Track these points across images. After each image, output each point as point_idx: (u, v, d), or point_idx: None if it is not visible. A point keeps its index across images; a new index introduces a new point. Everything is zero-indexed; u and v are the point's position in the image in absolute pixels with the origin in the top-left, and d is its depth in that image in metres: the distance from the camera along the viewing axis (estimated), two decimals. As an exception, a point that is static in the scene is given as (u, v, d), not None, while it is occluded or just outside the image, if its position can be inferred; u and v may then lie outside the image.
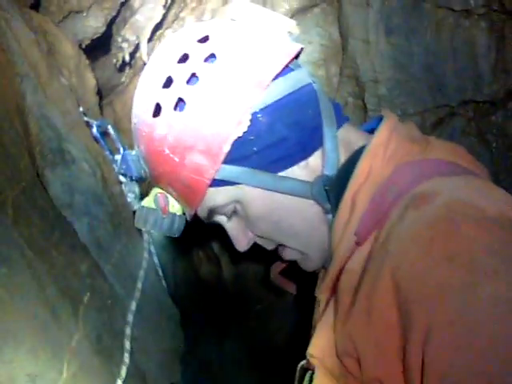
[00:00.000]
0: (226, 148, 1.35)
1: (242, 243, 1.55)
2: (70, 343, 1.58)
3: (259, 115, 1.37)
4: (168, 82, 1.38)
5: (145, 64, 2.80)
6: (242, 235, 1.54)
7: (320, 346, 1.45)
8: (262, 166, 1.40)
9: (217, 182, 1.39)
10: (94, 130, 2.18)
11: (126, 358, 1.81)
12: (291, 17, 2.99)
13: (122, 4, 2.75)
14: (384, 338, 1.20)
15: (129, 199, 2.22)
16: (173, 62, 1.39)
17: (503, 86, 2.70)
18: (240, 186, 1.41)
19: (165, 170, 1.41)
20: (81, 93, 2.33)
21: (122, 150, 2.23)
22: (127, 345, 1.84)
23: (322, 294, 1.50)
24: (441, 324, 1.06)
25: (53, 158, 1.88)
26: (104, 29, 2.69)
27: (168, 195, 1.51)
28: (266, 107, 1.37)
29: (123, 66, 3.04)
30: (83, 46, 2.62)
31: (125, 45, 2.82)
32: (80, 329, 1.64)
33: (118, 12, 2.74)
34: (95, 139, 2.17)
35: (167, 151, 1.37)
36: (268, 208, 1.44)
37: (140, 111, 1.42)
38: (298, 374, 1.62)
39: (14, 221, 1.52)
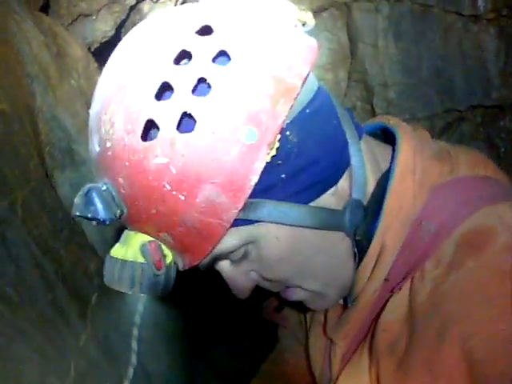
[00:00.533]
0: (255, 179, 1.01)
1: (244, 291, 1.26)
2: (78, 343, 1.58)
3: (287, 133, 1.07)
4: (165, 91, 1.02)
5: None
6: (244, 281, 1.24)
7: None
8: (289, 197, 1.11)
9: (234, 223, 1.06)
10: (103, 131, 2.18)
11: (134, 358, 1.80)
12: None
13: (132, 8, 2.76)
14: None
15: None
16: (168, 62, 1.02)
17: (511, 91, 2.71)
18: (260, 223, 1.11)
19: (161, 211, 1.04)
20: (90, 95, 2.33)
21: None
22: (134, 345, 1.84)
23: (341, 340, 1.36)
24: None
25: (62, 159, 1.88)
26: (113, 32, 2.70)
27: (160, 244, 1.11)
28: (291, 122, 1.07)
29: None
30: (92, 50, 2.64)
31: (134, 49, 2.82)
32: (88, 329, 1.64)
33: (128, 16, 2.75)
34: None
35: (168, 187, 1.01)
36: (293, 247, 1.16)
37: (117, 132, 1.02)
38: None
39: (23, 220, 1.52)
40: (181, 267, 1.14)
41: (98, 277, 1.79)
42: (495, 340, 1.03)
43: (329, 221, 1.16)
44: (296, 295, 1.30)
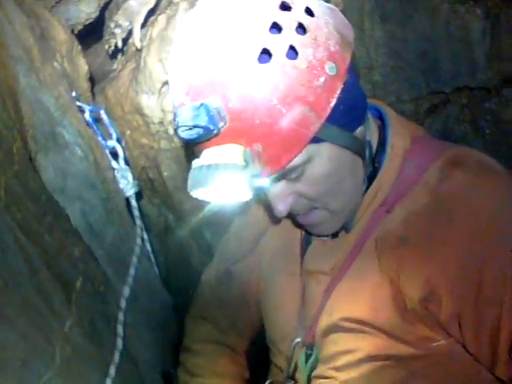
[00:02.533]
0: (333, 102, 1.32)
1: (284, 209, 1.49)
2: (63, 329, 1.57)
3: (347, 75, 1.35)
4: (274, 28, 1.30)
5: (138, 50, 2.79)
6: (285, 200, 1.48)
7: (368, 307, 1.53)
8: (344, 125, 1.40)
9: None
10: (87, 115, 2.16)
11: (119, 343, 1.80)
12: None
13: (116, -11, 2.74)
14: (466, 273, 1.40)
15: (121, 185, 2.21)
16: (274, 8, 1.31)
17: (498, 73, 2.69)
18: (323, 143, 1.38)
19: (264, 121, 1.29)
20: (73, 78, 2.31)
21: (114, 135, 2.22)
22: (120, 330, 1.84)
23: (329, 269, 1.61)
24: None
25: (45, 142, 1.86)
26: (97, 14, 2.68)
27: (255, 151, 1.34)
28: (347, 68, 1.35)
29: (115, 52, 3.02)
30: (76, 32, 2.61)
31: (117, 30, 2.79)
32: (73, 314, 1.63)
33: (112, -3, 2.73)
34: (88, 124, 2.16)
35: (275, 101, 1.27)
36: (337, 166, 1.44)
37: (232, 56, 1.28)
38: (293, 351, 1.70)
39: (7, 204, 1.50)
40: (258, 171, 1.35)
41: (82, 262, 1.78)
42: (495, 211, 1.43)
43: (360, 148, 1.48)
44: (317, 218, 1.55)
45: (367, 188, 1.57)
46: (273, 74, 1.27)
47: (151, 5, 2.74)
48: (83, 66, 2.45)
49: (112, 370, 1.70)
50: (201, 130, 1.28)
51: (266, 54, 1.28)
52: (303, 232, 1.75)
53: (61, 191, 1.86)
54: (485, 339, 1.41)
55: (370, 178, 1.57)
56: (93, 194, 1.98)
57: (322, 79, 1.29)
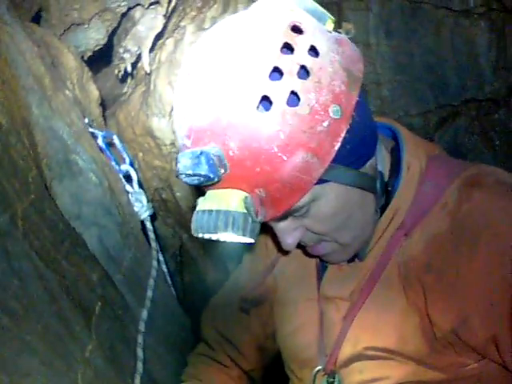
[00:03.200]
0: (338, 146, 1.28)
1: (292, 243, 1.48)
2: (84, 353, 1.59)
3: (354, 113, 1.32)
4: (275, 74, 1.25)
5: (148, 74, 2.82)
6: (293, 234, 1.47)
7: (395, 336, 1.50)
8: (350, 163, 1.38)
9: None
10: (100, 140, 2.18)
11: (140, 366, 1.81)
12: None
13: (123, 15, 2.76)
14: (498, 295, 1.35)
15: (136, 208, 2.23)
16: (275, 51, 1.26)
17: (504, 84, 2.71)
18: (328, 183, 1.36)
19: (265, 169, 1.27)
20: (85, 104, 2.34)
21: (127, 159, 2.24)
22: (140, 353, 1.85)
23: (348, 295, 1.58)
24: None
25: (60, 170, 1.88)
26: (105, 40, 2.71)
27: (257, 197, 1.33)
28: (355, 105, 1.32)
29: (125, 76, 3.05)
30: (85, 58, 2.64)
31: (126, 55, 2.83)
32: (93, 339, 1.65)
33: (119, 23, 2.76)
34: (101, 150, 2.18)
35: (276, 149, 1.24)
36: (343, 203, 1.43)
37: (232, 104, 1.26)
38: (314, 379, 1.66)
39: (24, 233, 1.52)
40: (262, 219, 1.33)
41: (100, 287, 1.79)
42: None
43: (369, 184, 1.45)
44: (325, 249, 1.55)
45: (382, 212, 1.54)
46: (273, 123, 1.24)
47: (158, 29, 2.76)
48: (94, 92, 2.47)
49: (133, 394, 1.72)
50: (201, 178, 1.28)
51: (266, 101, 1.25)
52: (318, 259, 1.73)
53: (77, 218, 1.88)
54: None
55: (385, 201, 1.55)
56: (108, 219, 2.00)
57: (325, 124, 1.26)
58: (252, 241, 1.36)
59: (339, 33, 1.41)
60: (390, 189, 1.55)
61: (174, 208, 3.20)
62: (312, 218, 1.43)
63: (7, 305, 1.36)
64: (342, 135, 1.29)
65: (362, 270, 1.57)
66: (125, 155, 2.29)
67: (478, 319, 1.38)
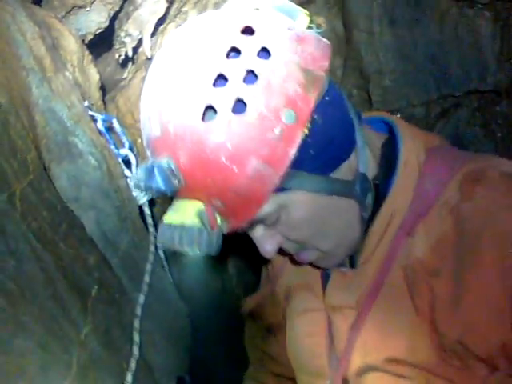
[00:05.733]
0: (293, 153, 1.24)
1: (271, 250, 1.47)
2: (80, 336, 1.58)
3: (315, 116, 1.28)
4: (220, 81, 1.23)
5: (148, 59, 2.80)
6: (270, 241, 1.45)
7: (404, 346, 1.44)
8: (315, 169, 1.34)
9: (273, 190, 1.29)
10: (100, 124, 2.17)
11: (136, 350, 1.80)
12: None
13: (125, -1, 2.75)
14: (506, 301, 1.30)
15: (134, 193, 2.22)
16: (220, 57, 1.24)
17: (508, 76, 2.70)
18: (292, 191, 1.32)
19: (216, 180, 1.24)
20: (85, 87, 2.32)
21: (127, 144, 2.23)
22: (136, 338, 1.84)
23: (354, 303, 1.54)
24: None
25: (59, 152, 1.87)
26: (107, 24, 2.68)
27: (213, 209, 1.30)
28: (317, 107, 1.28)
29: (126, 61, 3.03)
30: (86, 42, 2.62)
31: (128, 40, 2.80)
32: (89, 322, 1.64)
33: (121, 7, 2.74)
34: (100, 133, 2.17)
35: (224, 160, 1.22)
36: (315, 211, 1.38)
37: (177, 114, 1.24)
38: None
39: (22, 214, 1.51)
40: (225, 230, 1.33)
41: (97, 270, 1.79)
42: None
43: (342, 189, 1.40)
44: (309, 257, 1.53)
45: (375, 213, 1.50)
46: (218, 133, 1.21)
47: (161, 14, 2.74)
48: (94, 76, 2.46)
49: (129, 378, 1.71)
50: (156, 192, 1.27)
51: (211, 110, 1.23)
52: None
53: (75, 200, 1.87)
54: None
55: (376, 201, 1.51)
56: (107, 203, 1.99)
57: (276, 130, 1.22)
58: (218, 251, 1.31)
59: (310, 28, 1.38)
60: (380, 188, 1.51)
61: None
62: (285, 226, 1.41)
63: (3, 285, 1.35)
64: (298, 141, 1.25)
65: (366, 275, 1.52)
66: (124, 139, 2.28)
67: (486, 327, 1.33)
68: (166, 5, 2.73)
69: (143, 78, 2.90)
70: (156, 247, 2.22)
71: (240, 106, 1.22)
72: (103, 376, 1.64)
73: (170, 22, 2.81)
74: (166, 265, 2.44)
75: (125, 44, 2.85)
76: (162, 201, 3.27)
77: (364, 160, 1.47)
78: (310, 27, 1.38)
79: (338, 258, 1.54)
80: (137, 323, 1.87)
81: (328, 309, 1.63)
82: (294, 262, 1.69)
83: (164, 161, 1.26)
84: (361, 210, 1.47)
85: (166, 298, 2.24)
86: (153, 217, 2.29)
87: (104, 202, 1.98)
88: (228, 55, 1.24)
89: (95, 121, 2.17)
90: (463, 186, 1.43)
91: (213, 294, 3.12)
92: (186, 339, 2.27)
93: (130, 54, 2.87)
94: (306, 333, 1.72)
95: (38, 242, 1.53)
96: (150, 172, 1.25)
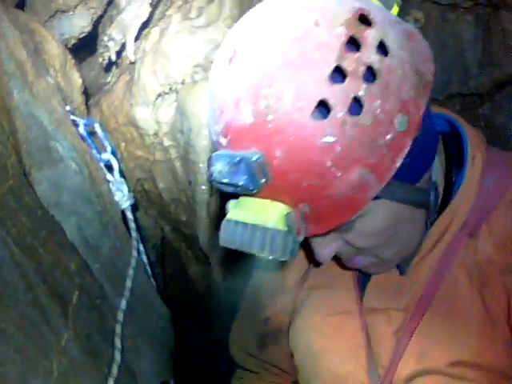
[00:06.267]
0: (399, 162, 1.12)
1: (328, 256, 1.34)
2: (60, 342, 1.57)
3: (421, 124, 1.16)
4: (337, 74, 1.07)
5: (132, 63, 2.80)
6: (330, 247, 1.32)
7: (474, 348, 1.34)
8: (406, 178, 1.22)
9: None
10: (81, 128, 2.16)
11: (118, 356, 1.80)
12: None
13: (109, 3, 2.75)
14: None
15: (116, 198, 2.21)
16: (340, 48, 1.06)
17: (490, 79, 2.71)
18: (379, 200, 1.19)
19: (313, 184, 1.10)
20: (67, 92, 2.32)
21: (109, 148, 2.23)
22: (118, 343, 1.83)
23: (408, 299, 1.42)
24: None
25: (40, 157, 1.86)
26: (90, 28, 2.69)
27: (301, 214, 1.16)
28: (421, 117, 1.15)
29: (110, 65, 3.03)
30: (69, 46, 2.62)
31: (111, 44, 2.80)
32: (69, 328, 1.63)
33: (105, 11, 2.75)
34: (82, 138, 2.16)
35: (329, 163, 1.08)
36: (393, 221, 1.27)
37: (285, 107, 1.07)
38: None
39: (1, 219, 1.51)
40: (302, 237, 1.18)
41: (78, 276, 1.78)
42: None
43: (422, 199, 1.29)
44: (361, 263, 1.40)
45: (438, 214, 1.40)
46: (329, 133, 1.06)
47: (144, 18, 2.74)
48: (77, 80, 2.45)
49: (110, 383, 1.70)
50: (238, 188, 1.12)
51: (323, 106, 1.07)
52: None
53: (56, 205, 1.86)
54: None
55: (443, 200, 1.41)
56: (88, 208, 1.98)
57: (388, 137, 1.09)
58: (292, 257, 1.17)
59: (406, 22, 1.20)
60: (442, 190, 1.42)
61: (157, 199, 3.18)
62: (355, 234, 1.28)
63: (-18, 292, 1.35)
64: (406, 150, 1.12)
65: (417, 277, 1.41)
66: (106, 144, 2.27)
67: None
68: (149, 9, 2.73)
69: (127, 82, 2.90)
70: (139, 252, 2.22)
71: (356, 106, 1.07)
72: (84, 382, 1.63)
73: (153, 26, 2.81)
74: (149, 269, 2.44)
75: (108, 48, 2.84)
76: (146, 206, 3.28)
77: (436, 167, 1.37)
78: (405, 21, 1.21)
79: (391, 265, 1.43)
80: (118, 329, 1.87)
81: (367, 311, 1.51)
82: (319, 264, 1.57)
83: (254, 155, 1.10)
84: (427, 217, 1.36)
85: (148, 302, 2.23)
86: (136, 222, 2.29)
87: (85, 207, 1.98)
88: (346, 46, 1.07)
89: (77, 125, 2.16)
90: None
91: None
92: (169, 344, 2.26)
93: (114, 58, 2.86)
94: (333, 338, 1.57)
95: (17, 247, 1.52)
96: (234, 165, 1.11)
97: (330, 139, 1.06)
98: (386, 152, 1.10)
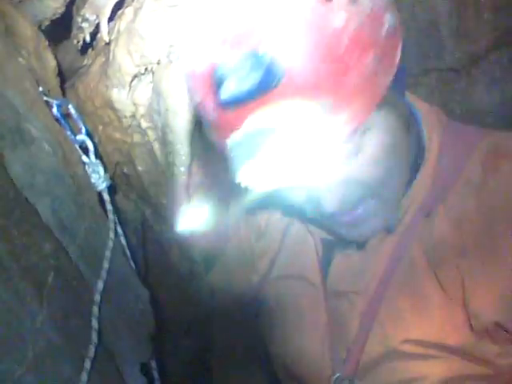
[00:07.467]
0: (398, 57, 1.19)
1: (337, 198, 1.30)
2: (35, 324, 1.56)
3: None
4: None
5: (107, 44, 2.77)
6: (338, 192, 1.29)
7: (435, 328, 1.36)
8: (397, 89, 1.28)
9: None
10: (54, 109, 2.14)
11: (95, 336, 1.78)
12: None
13: (82, -16, 2.72)
14: None
15: (93, 180, 2.19)
16: None
17: (466, 53, 2.71)
18: (380, 111, 1.22)
19: (333, 71, 1.09)
20: (41, 74, 2.29)
21: (83, 129, 2.21)
22: (95, 324, 1.82)
23: (367, 280, 1.44)
24: None
25: (12, 138, 1.84)
26: (63, 9, 2.65)
27: None
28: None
29: (85, 47, 3.00)
30: (43, 28, 2.59)
31: (85, 25, 2.77)
32: (44, 309, 1.62)
33: (78, -8, 2.71)
34: (56, 119, 2.14)
35: (346, 42, 1.08)
36: (390, 141, 1.30)
37: None
38: None
39: (-27, 200, 1.49)
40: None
41: (53, 257, 1.76)
42: None
43: (408, 119, 1.39)
44: (363, 210, 1.36)
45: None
46: (342, 9, 1.10)
47: (118, -2, 2.72)
48: (51, 62, 2.42)
49: (87, 364, 1.69)
50: (255, 84, 1.07)
51: None
52: (320, 251, 1.58)
53: (29, 187, 1.84)
54: None
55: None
56: (62, 189, 1.96)
57: (385, 28, 1.15)
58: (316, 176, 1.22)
59: None
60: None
61: (136, 182, 3.17)
62: (362, 159, 1.28)
63: (-48, 273, 1.34)
64: (400, 46, 1.20)
65: (376, 256, 1.44)
66: (81, 125, 2.25)
67: None
68: (122, -12, 2.71)
69: (102, 64, 2.88)
70: (116, 234, 2.20)
71: None
72: (61, 363, 1.62)
73: (127, 6, 2.78)
74: (128, 252, 2.42)
75: (83, 29, 2.81)
76: (125, 189, 3.26)
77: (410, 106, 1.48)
78: None
79: (387, 215, 1.40)
80: (96, 310, 1.85)
81: (330, 296, 1.54)
82: (285, 251, 1.65)
83: (264, 49, 1.08)
84: (409, 157, 1.41)
85: (126, 284, 2.22)
86: (114, 204, 2.27)
87: (60, 188, 1.95)
88: None
89: (51, 107, 2.13)
90: (485, 162, 1.38)
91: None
92: (149, 325, 2.25)
93: (89, 39, 2.84)
94: (302, 324, 1.60)
95: (-11, 228, 1.51)
96: (249, 61, 1.07)
97: (343, 15, 1.09)
98: (385, 43, 1.16)
